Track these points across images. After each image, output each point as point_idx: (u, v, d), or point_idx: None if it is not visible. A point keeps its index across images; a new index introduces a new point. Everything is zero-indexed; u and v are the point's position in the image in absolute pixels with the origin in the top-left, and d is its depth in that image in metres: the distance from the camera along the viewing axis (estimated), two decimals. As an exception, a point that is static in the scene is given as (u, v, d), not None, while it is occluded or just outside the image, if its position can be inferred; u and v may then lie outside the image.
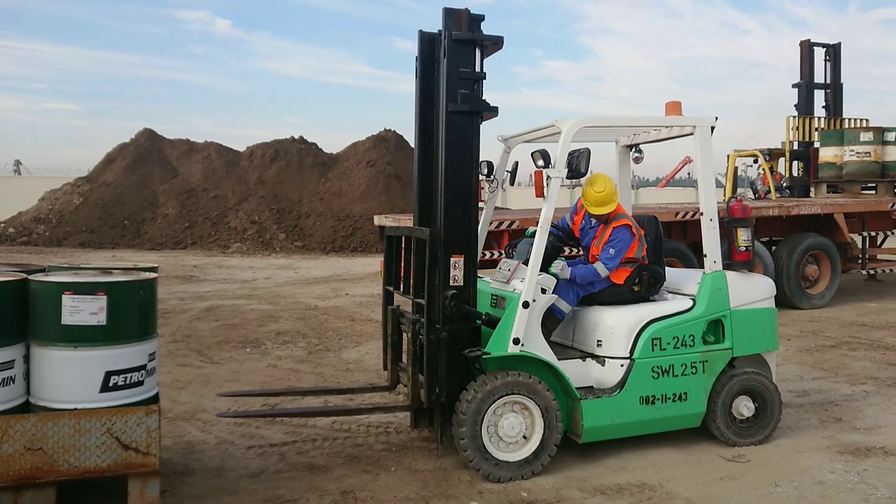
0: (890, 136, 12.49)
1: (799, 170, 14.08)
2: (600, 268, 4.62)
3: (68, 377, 3.41)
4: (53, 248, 19.88)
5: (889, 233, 11.60)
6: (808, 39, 14.32)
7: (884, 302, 10.71)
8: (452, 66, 4.20)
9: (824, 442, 4.70)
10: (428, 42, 4.45)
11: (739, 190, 14.93)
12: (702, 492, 3.94)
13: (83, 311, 3.37)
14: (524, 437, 4.16)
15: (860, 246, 10.87)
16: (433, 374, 4.11)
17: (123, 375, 3.47)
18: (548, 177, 4.25)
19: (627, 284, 4.70)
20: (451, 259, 4.20)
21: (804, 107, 14.27)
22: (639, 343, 4.44)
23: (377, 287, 12.37)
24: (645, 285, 4.74)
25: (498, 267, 4.81)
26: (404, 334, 4.69)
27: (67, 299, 3.36)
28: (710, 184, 4.76)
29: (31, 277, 3.49)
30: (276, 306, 10.42)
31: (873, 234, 11.30)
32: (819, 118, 14.17)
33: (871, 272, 11.55)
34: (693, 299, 4.66)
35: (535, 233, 4.49)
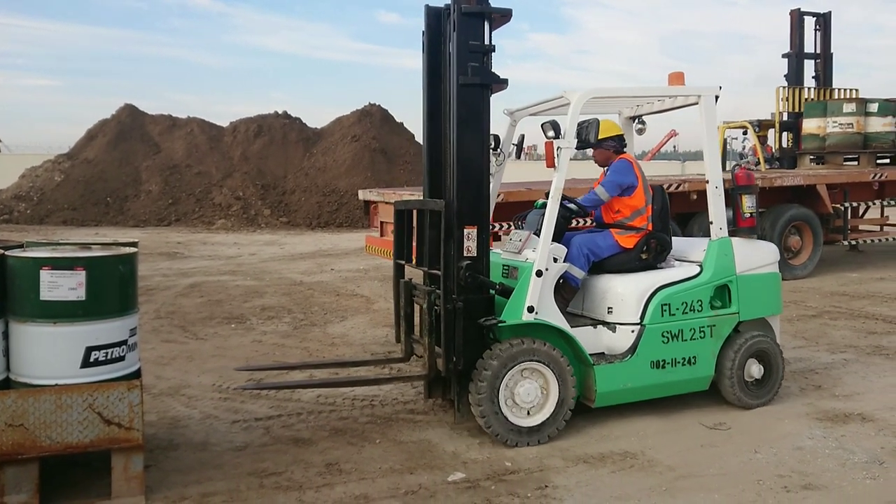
0: (872, 108, 12.49)
1: (788, 141, 14.02)
2: (600, 191, 4.79)
3: (48, 353, 3.39)
4: (35, 226, 19.66)
5: (871, 203, 11.68)
6: (799, 8, 14.09)
7: (865, 272, 10.83)
8: (462, 39, 4.22)
9: (804, 409, 4.76)
10: (434, 17, 4.48)
11: (731, 163, 14.90)
12: (683, 459, 3.99)
13: (62, 286, 3.34)
14: (539, 403, 4.26)
15: (842, 217, 10.96)
16: (451, 343, 4.18)
17: (104, 351, 3.45)
18: (558, 147, 4.32)
19: (636, 251, 4.78)
20: (465, 230, 4.24)
21: (794, 77, 14.08)
22: (649, 309, 4.53)
23: (363, 262, 12.37)
24: (653, 253, 4.82)
25: (508, 238, 4.85)
26: (417, 307, 4.68)
27: (45, 275, 3.33)
28: (714, 152, 4.84)
29: (7, 253, 3.45)
30: (261, 282, 10.39)
31: (855, 204, 11.38)
32: (809, 88, 14.04)
33: (853, 243, 11.65)
34: (700, 265, 4.75)
35: (544, 204, 4.60)
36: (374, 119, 24.32)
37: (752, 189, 4.92)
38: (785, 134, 14.02)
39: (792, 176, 10.77)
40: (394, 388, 5.29)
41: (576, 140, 4.43)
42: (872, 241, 11.85)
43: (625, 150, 5.08)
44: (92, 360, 3.41)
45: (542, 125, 4.41)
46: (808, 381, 5.38)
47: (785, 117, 13.84)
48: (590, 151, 5.14)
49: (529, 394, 4.21)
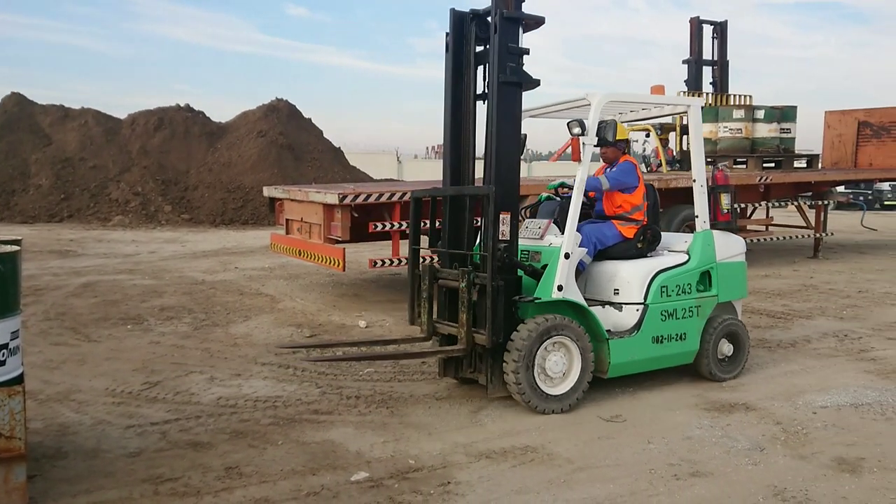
0: (759, 115, 13.27)
1: (688, 144, 14.62)
2: (603, 180, 5.31)
3: (-82, 359, 3.16)
4: None
5: (757, 205, 12.39)
6: (698, 17, 14.79)
7: (751, 270, 11.37)
8: (503, 41, 4.65)
9: (693, 400, 5.01)
10: (458, 20, 4.94)
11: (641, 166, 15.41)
12: (581, 451, 4.12)
13: (-67, 287, 3.12)
14: (564, 373, 4.73)
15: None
16: (494, 319, 4.50)
17: (-18, 356, 3.24)
18: (583, 143, 4.82)
19: (635, 240, 5.35)
20: (500, 216, 4.62)
21: (693, 82, 14.70)
22: (650, 290, 5.11)
23: (268, 260, 12.12)
24: (647, 243, 5.40)
25: (524, 226, 5.32)
26: (438, 289, 5.05)
27: (-85, 275, 3.10)
28: (700, 155, 5.58)
29: None
30: (161, 281, 10.01)
31: (743, 205, 12.04)
32: (707, 94, 14.70)
33: (741, 241, 12.31)
34: (688, 253, 5.38)
35: (548, 197, 5.60)
36: (282, 114, 23.86)
37: (729, 189, 5.63)
38: (685, 137, 14.64)
39: (686, 178, 11.26)
40: (298, 388, 5.23)
41: (596, 138, 4.90)
42: (759, 240, 12.58)
43: (628, 152, 5.65)
44: (-32, 365, 3.20)
45: (568, 123, 4.84)
46: (696, 373, 5.64)
47: (685, 121, 14.44)
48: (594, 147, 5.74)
49: (557, 365, 4.68)
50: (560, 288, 4.68)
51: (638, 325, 5.05)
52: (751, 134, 13.19)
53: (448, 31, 4.97)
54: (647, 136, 15.10)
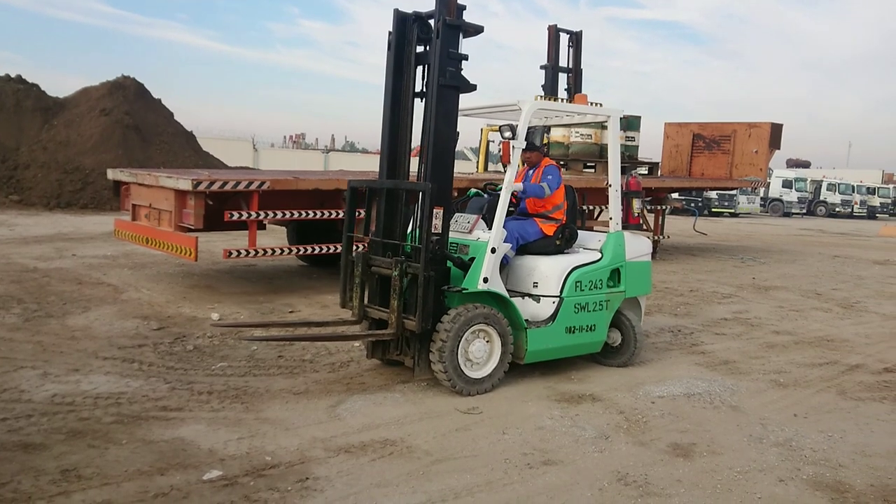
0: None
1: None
2: (545, 187, 5.67)
3: None
4: None
5: (603, 207, 13.12)
6: (556, 25, 15.41)
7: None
8: (444, 47, 4.92)
9: (545, 392, 5.23)
10: (401, 21, 5.11)
11: (491, 165, 15.80)
12: (439, 443, 4.18)
13: None
14: (485, 359, 5.06)
15: (580, 217, 12.16)
16: (424, 307, 4.79)
17: None
18: (513, 147, 5.13)
19: (554, 237, 5.71)
20: (434, 210, 4.84)
21: (550, 87, 15.28)
22: (566, 285, 5.49)
23: (111, 248, 11.34)
24: (565, 240, 5.77)
25: (454, 220, 5.54)
26: (371, 275, 5.25)
27: None
28: (616, 162, 6.01)
29: None
30: (-16, 268, 9.10)
31: (591, 207, 12.71)
32: (562, 99, 15.36)
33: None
34: (601, 252, 5.79)
35: (477, 192, 5.99)
36: (128, 93, 22.33)
37: (640, 194, 5.97)
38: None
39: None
40: (144, 384, 4.94)
41: (525, 142, 5.23)
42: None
43: (547, 154, 5.94)
44: None
45: (500, 127, 5.17)
46: (547, 366, 5.89)
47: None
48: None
49: (479, 350, 5.02)
50: (486, 280, 5.01)
51: (553, 316, 5.42)
52: (600, 140, 13.91)
53: (391, 30, 5.14)
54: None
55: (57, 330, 6.31)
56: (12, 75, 21.79)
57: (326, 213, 8.62)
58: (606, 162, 14.48)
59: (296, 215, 8.40)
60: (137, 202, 8.95)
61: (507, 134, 5.12)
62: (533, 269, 5.57)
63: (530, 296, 5.53)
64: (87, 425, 4.17)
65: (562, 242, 5.77)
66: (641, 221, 6.34)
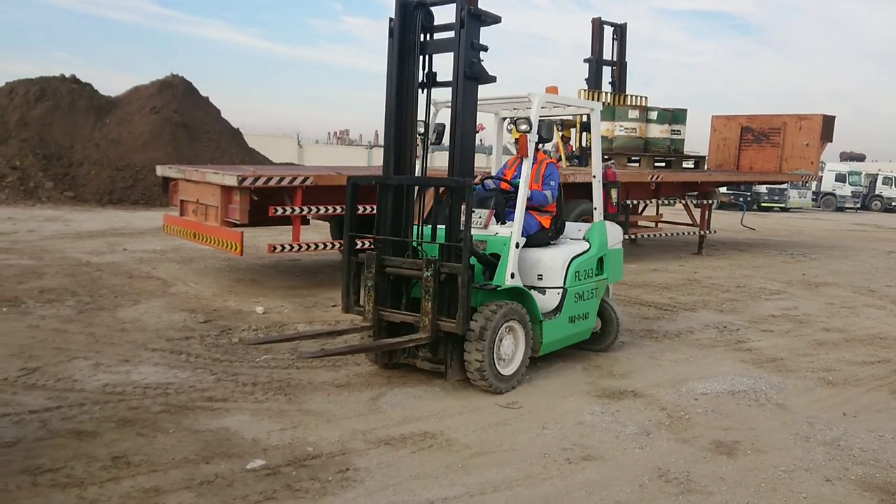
0: (653, 116, 13.86)
1: (588, 141, 15.05)
2: (548, 194, 5.65)
3: None
4: None
5: (648, 202, 12.96)
6: (600, 17, 15.18)
7: (641, 263, 12.00)
8: (468, 38, 4.73)
9: (586, 387, 5.20)
10: (403, 7, 4.92)
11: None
12: (478, 437, 4.20)
13: None
14: (512, 354, 5.02)
15: (624, 213, 12.03)
16: (464, 307, 4.61)
17: None
18: (529, 140, 5.09)
19: (550, 229, 5.73)
20: (464, 207, 4.68)
21: (594, 81, 15.07)
22: (568, 275, 5.53)
23: (160, 243, 11.63)
24: (556, 232, 5.82)
25: None
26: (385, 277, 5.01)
27: None
28: (598, 154, 6.12)
29: None
30: (41, 261, 9.42)
31: (635, 202, 12.57)
32: (606, 93, 15.16)
33: (633, 237, 12.87)
34: (587, 241, 5.84)
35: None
36: (177, 91, 22.84)
37: (616, 185, 6.18)
38: (584, 134, 15.06)
39: (584, 173, 11.63)
40: (191, 375, 5.06)
41: (538, 135, 5.19)
42: (649, 235, 13.21)
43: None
44: None
45: (516, 120, 5.13)
46: (590, 361, 5.86)
47: (585, 118, 14.85)
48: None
49: (508, 347, 4.97)
50: (512, 276, 4.99)
51: (559, 307, 5.44)
52: (644, 134, 13.76)
53: (392, 16, 4.94)
54: None
55: (108, 322, 6.50)
56: (67, 75, 22.45)
57: (369, 208, 8.68)
58: (650, 156, 14.38)
59: (339, 210, 8.48)
60: (185, 198, 9.15)
61: (524, 127, 5.06)
62: (537, 262, 5.50)
63: (535, 288, 5.47)
64: (137, 414, 4.29)
65: (553, 234, 5.80)
66: (618, 211, 6.33)
